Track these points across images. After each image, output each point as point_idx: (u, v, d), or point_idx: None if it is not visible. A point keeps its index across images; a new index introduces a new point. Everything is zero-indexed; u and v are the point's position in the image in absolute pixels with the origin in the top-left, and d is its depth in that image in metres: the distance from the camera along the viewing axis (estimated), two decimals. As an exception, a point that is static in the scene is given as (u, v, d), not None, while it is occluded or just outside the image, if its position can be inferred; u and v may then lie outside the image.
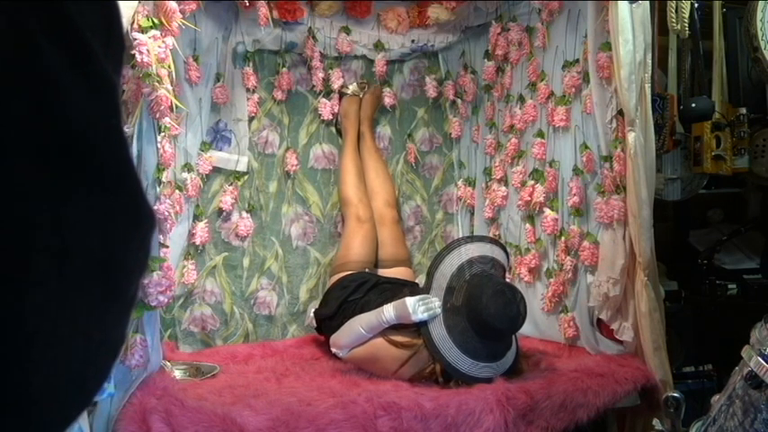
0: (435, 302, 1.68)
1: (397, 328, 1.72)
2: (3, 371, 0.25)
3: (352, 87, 2.39)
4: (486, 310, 1.62)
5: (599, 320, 1.89)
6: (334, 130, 2.40)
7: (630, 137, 1.70)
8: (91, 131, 0.28)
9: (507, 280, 1.92)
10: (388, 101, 2.42)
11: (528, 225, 2.17)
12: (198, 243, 2.06)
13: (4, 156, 0.25)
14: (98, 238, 0.29)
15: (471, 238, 1.84)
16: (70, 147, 0.27)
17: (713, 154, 2.14)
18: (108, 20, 0.32)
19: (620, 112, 1.77)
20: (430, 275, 1.76)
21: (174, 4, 1.51)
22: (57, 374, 0.28)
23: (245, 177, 2.22)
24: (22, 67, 0.25)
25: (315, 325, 2.07)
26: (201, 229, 2.06)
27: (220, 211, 2.16)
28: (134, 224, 0.31)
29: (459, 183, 2.54)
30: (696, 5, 2.06)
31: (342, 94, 2.37)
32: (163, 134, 1.60)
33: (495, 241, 1.86)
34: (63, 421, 0.30)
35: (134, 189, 0.31)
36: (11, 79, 0.25)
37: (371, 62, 2.40)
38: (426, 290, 1.74)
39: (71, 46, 0.28)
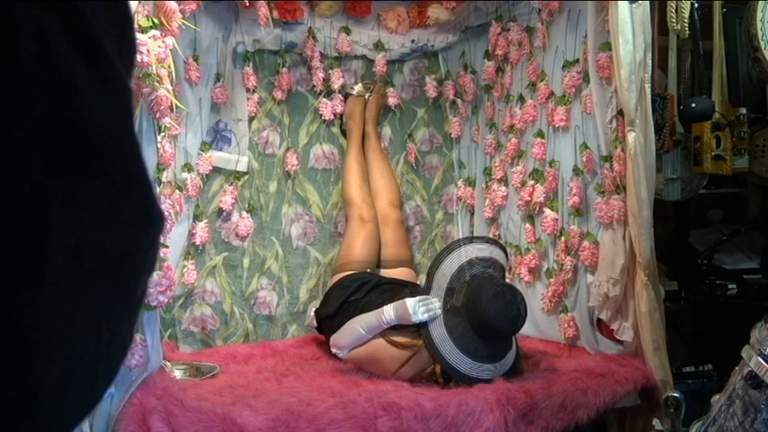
0: (435, 303, 1.68)
1: (398, 328, 1.72)
2: (18, 369, 0.25)
3: (358, 88, 2.39)
4: (486, 311, 1.62)
5: (599, 320, 1.89)
6: (338, 130, 2.40)
7: (630, 137, 1.70)
8: (106, 134, 0.29)
9: (507, 280, 1.92)
10: (392, 101, 2.42)
11: (528, 225, 2.17)
12: (198, 243, 2.06)
13: (21, 156, 0.25)
14: (110, 239, 0.29)
15: (471, 239, 1.84)
16: (86, 149, 0.27)
17: (713, 154, 2.14)
18: (121, 22, 0.32)
19: (620, 112, 1.77)
20: (430, 276, 1.76)
21: (174, 4, 1.51)
22: (68, 373, 0.28)
23: (246, 177, 2.22)
24: (39, 67, 0.26)
25: (315, 324, 2.08)
26: (201, 229, 2.06)
27: (220, 211, 2.16)
28: (145, 225, 0.32)
29: (459, 183, 2.54)
30: (696, 5, 2.06)
31: (347, 95, 2.37)
32: (163, 134, 1.60)
33: (494, 242, 1.86)
34: (73, 420, 0.30)
35: (145, 191, 0.32)
36: (27, 79, 0.25)
37: (371, 62, 2.40)
38: (426, 291, 1.74)
39: (87, 47, 0.28)
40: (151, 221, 0.32)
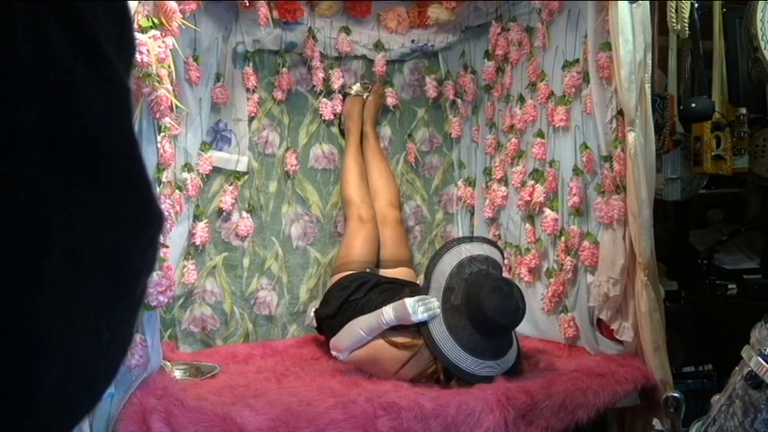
0: (434, 303, 1.69)
1: (397, 329, 1.71)
2: (16, 369, 0.25)
3: (356, 88, 2.39)
4: (484, 306, 1.62)
5: (599, 320, 1.89)
6: (336, 130, 2.40)
7: (630, 137, 1.70)
8: (104, 134, 0.29)
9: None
10: (390, 101, 2.42)
11: (528, 225, 2.17)
12: (198, 243, 2.06)
13: (19, 155, 0.25)
14: (110, 239, 0.29)
15: (467, 239, 1.85)
16: (84, 148, 0.27)
17: (713, 154, 2.14)
18: (120, 21, 0.32)
19: (620, 112, 1.77)
20: (428, 276, 1.76)
21: (174, 4, 1.51)
22: (68, 372, 0.28)
23: (245, 177, 2.22)
24: (37, 67, 0.26)
25: (315, 324, 2.08)
26: (201, 229, 2.06)
27: (220, 211, 2.16)
28: (144, 225, 0.32)
29: (459, 183, 2.54)
30: (696, 5, 2.06)
31: (345, 95, 2.37)
32: (163, 134, 1.60)
33: (490, 242, 1.87)
34: (72, 419, 0.30)
35: (145, 190, 0.32)
36: (25, 78, 0.25)
37: (371, 62, 2.40)
38: (425, 290, 1.74)
39: (85, 46, 0.28)
40: (150, 221, 0.32)
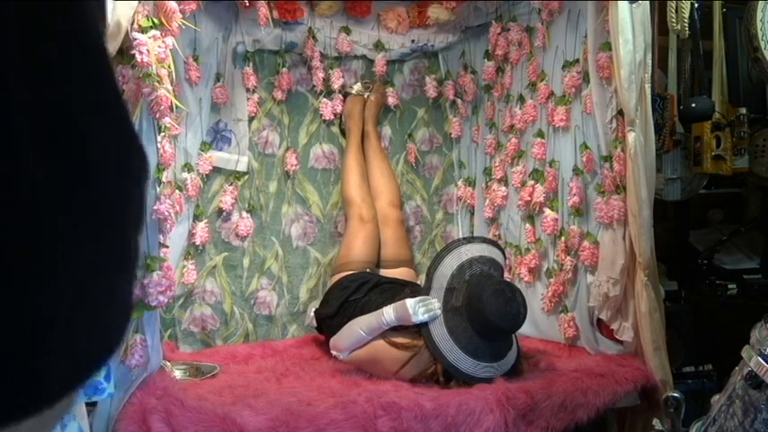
0: (435, 304, 1.68)
1: (398, 329, 1.72)
2: (20, 363, 0.25)
3: (357, 87, 2.39)
4: (486, 310, 1.62)
5: (599, 320, 1.89)
6: (337, 130, 2.40)
7: (630, 137, 1.70)
8: (99, 118, 0.28)
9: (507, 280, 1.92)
10: (391, 100, 2.42)
11: (528, 225, 2.17)
12: (198, 243, 2.06)
13: (12, 146, 0.25)
14: (109, 220, 0.29)
15: (469, 239, 1.85)
16: (78, 134, 0.27)
17: (713, 154, 2.14)
18: (104, 7, 0.32)
19: (620, 112, 1.77)
20: (429, 276, 1.76)
21: (174, 4, 1.51)
22: (71, 346, 0.28)
23: (245, 177, 2.22)
24: (31, 61, 0.25)
25: (315, 324, 2.08)
26: (201, 229, 2.06)
27: (220, 211, 2.16)
28: (129, 171, 0.31)
29: (459, 183, 2.54)
30: (696, 5, 2.06)
31: (346, 94, 2.37)
32: (163, 134, 1.60)
33: (492, 242, 1.87)
34: (85, 373, 0.30)
35: (132, 146, 0.31)
36: (20, 73, 0.25)
37: (371, 62, 2.40)
38: (426, 291, 1.74)
39: (78, 31, 0.28)
40: (134, 161, 0.31)
